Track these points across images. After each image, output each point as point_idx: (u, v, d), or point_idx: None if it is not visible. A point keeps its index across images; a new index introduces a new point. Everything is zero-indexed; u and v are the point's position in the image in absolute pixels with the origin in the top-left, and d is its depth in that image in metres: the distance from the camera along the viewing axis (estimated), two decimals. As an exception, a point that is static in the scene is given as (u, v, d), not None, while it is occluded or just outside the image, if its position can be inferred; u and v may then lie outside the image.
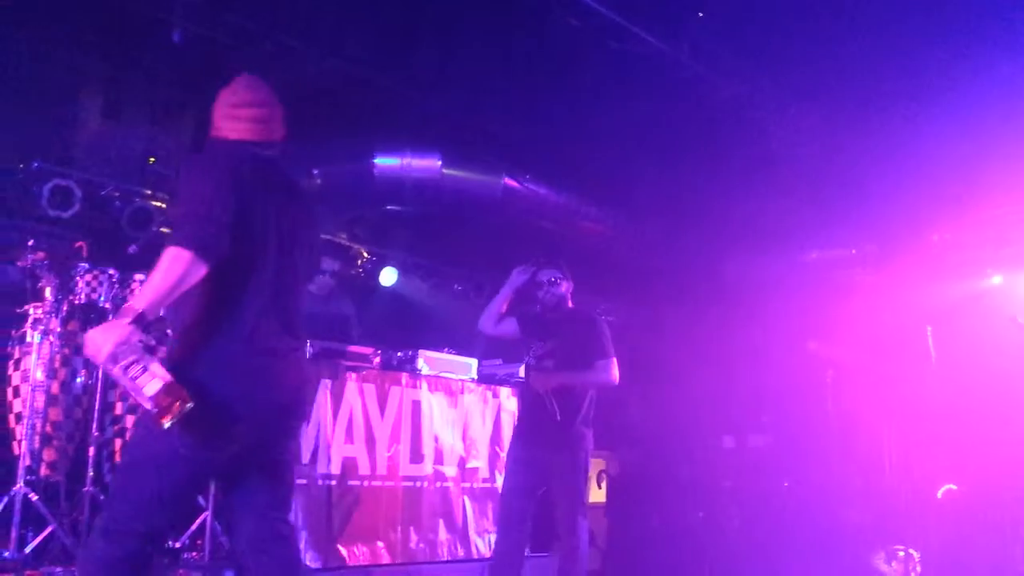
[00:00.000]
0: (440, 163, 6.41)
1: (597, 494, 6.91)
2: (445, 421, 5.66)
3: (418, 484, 5.39)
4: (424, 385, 5.57)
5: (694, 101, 6.36)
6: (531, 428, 4.65)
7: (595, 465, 7.16)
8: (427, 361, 5.66)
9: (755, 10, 5.52)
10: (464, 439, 5.75)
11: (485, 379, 6.00)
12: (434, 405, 5.61)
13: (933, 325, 6.86)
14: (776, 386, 7.71)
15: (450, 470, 5.60)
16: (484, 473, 5.82)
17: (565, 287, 4.68)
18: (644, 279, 8.03)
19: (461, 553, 5.43)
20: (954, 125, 6.10)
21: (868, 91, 6.20)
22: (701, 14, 5.45)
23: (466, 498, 5.62)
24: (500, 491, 4.78)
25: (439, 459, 5.56)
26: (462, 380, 5.83)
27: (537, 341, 4.68)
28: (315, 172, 6.23)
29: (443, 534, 5.45)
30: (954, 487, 6.57)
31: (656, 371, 7.95)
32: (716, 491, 7.61)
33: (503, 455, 5.97)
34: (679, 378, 7.89)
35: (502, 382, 6.12)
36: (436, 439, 5.58)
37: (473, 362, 5.97)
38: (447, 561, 5.41)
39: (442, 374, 5.72)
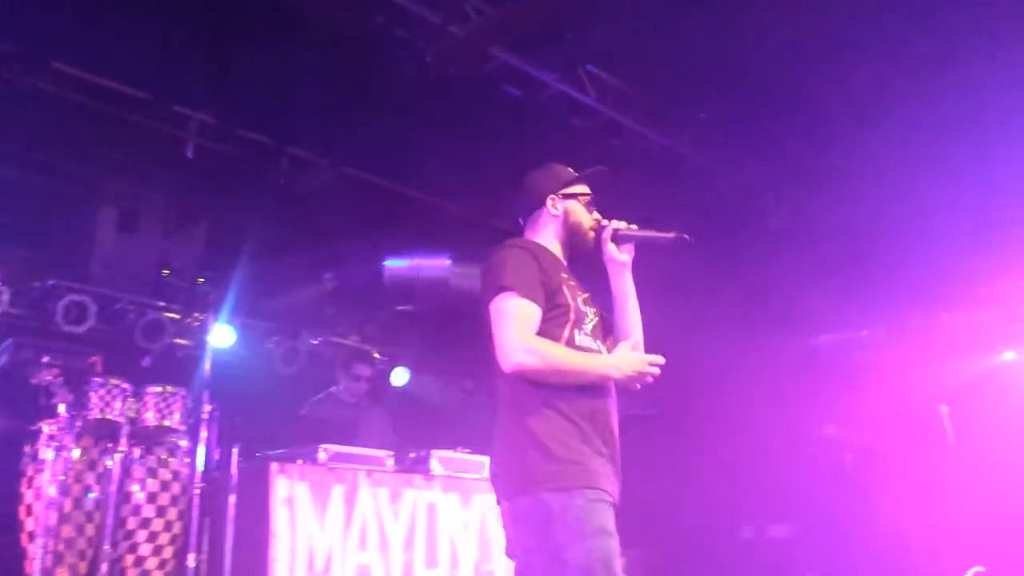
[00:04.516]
0: (449, 262, 6.51)
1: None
2: (460, 523, 5.56)
3: (435, 589, 5.26)
4: (438, 486, 5.49)
5: (696, 191, 6.45)
6: (609, 463, 2.68)
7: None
8: (440, 461, 5.59)
9: (752, 99, 5.67)
10: (480, 541, 5.64)
11: (499, 477, 5.92)
12: (449, 507, 5.52)
13: (949, 404, 6.78)
14: (794, 473, 7.58)
15: (466, 574, 5.47)
16: (500, 576, 5.68)
17: None
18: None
19: (482, 661, 5.26)
20: (960, 204, 6.17)
21: (869, 170, 6.29)
22: (703, 115, 5.58)
23: (482, 603, 5.48)
24: None
25: (455, 563, 5.44)
26: (476, 479, 5.75)
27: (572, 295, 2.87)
28: (327, 276, 6.32)
29: (460, 640, 5.30)
30: (982, 569, 6.40)
31: (668, 466, 7.81)
32: (737, 585, 7.41)
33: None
34: (692, 471, 7.75)
35: (517, 480, 6.03)
36: (452, 542, 5.47)
37: (486, 460, 5.88)
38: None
39: (456, 474, 5.65)
